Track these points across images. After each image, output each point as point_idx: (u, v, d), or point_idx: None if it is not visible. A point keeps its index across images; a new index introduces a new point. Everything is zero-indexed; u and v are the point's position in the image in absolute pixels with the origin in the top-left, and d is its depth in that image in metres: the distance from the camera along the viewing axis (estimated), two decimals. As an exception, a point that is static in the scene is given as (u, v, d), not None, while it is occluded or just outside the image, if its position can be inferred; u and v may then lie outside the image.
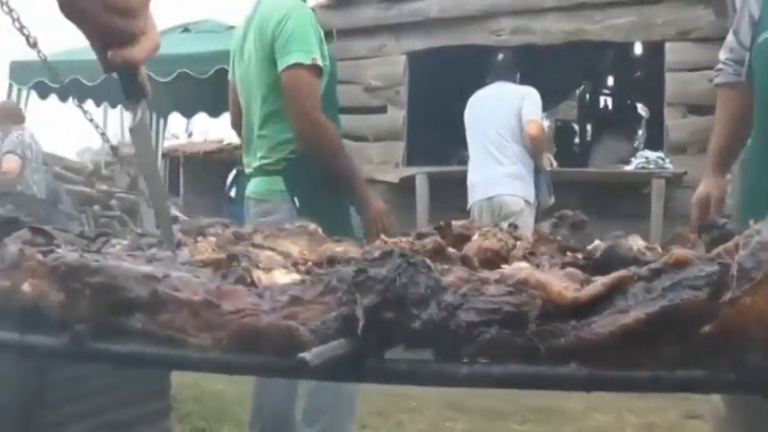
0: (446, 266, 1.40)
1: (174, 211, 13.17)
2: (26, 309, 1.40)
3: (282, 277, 1.34)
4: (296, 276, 1.34)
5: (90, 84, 8.92)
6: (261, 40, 3.40)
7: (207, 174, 14.69)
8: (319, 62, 3.31)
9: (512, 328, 1.08)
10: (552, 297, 1.09)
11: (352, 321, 1.10)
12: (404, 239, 2.34)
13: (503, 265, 1.98)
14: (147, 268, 1.33)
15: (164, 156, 12.57)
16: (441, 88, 8.77)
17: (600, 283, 1.11)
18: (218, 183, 14.07)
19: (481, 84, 7.05)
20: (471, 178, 6.73)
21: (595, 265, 1.43)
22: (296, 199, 3.41)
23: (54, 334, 1.32)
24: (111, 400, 3.39)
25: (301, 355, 1.00)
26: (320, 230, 2.53)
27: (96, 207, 10.66)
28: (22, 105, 9.13)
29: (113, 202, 11.01)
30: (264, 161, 3.54)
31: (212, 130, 16.28)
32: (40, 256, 1.40)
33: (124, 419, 3.46)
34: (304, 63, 3.29)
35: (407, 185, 7.40)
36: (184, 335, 1.22)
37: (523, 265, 1.48)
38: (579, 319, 1.07)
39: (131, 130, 1.39)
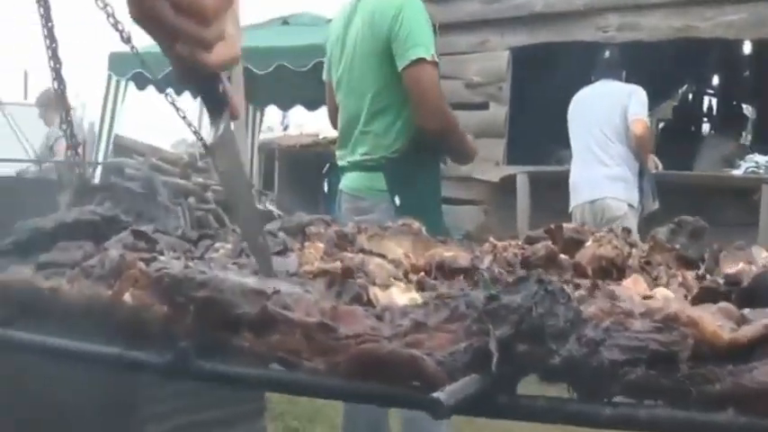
0: (582, 291, 1.26)
1: (269, 206, 13.25)
2: (128, 320, 1.32)
3: (400, 295, 1.23)
4: (415, 295, 1.23)
5: (188, 76, 8.98)
6: (373, 35, 3.33)
7: (302, 167, 14.73)
8: (437, 58, 3.26)
9: (660, 369, 0.96)
10: (706, 337, 0.98)
11: (484, 354, 0.99)
12: (513, 242, 2.23)
13: (623, 282, 1.85)
14: (255, 282, 1.23)
15: (259, 149, 12.62)
16: (544, 85, 8.56)
17: (762, 324, 0.98)
18: (314, 177, 14.09)
19: (586, 81, 6.84)
20: (573, 179, 6.53)
21: (743, 295, 1.29)
22: (396, 198, 3.33)
23: (157, 349, 1.25)
24: (208, 399, 3.38)
25: (436, 395, 0.90)
26: (424, 230, 2.43)
27: (192, 199, 10.73)
28: (120, 96, 9.27)
29: (209, 194, 11.07)
30: (365, 157, 3.48)
31: (308, 123, 16.28)
32: (142, 265, 1.33)
33: (220, 418, 3.45)
34: (426, 58, 3.22)
35: (508, 185, 7.24)
36: (297, 358, 1.13)
37: (666, 293, 1.34)
38: (736, 362, 0.95)
39: (211, 147, 1.22)
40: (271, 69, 9.13)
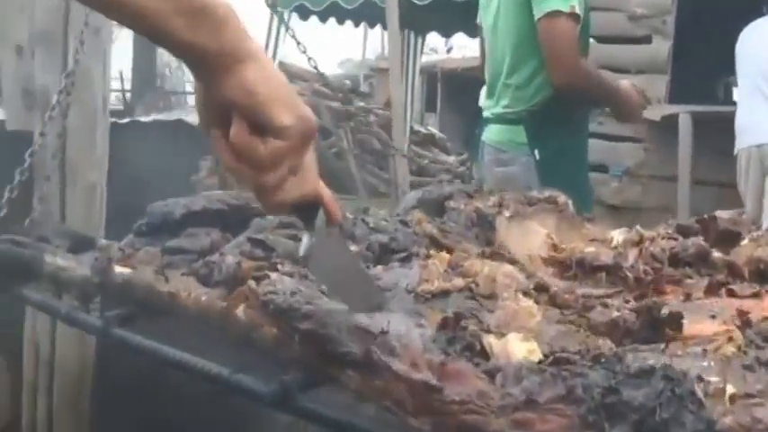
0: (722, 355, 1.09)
1: (432, 129, 13.11)
2: (238, 336, 1.26)
3: (518, 346, 1.10)
4: (533, 346, 1.09)
5: (348, 7, 8.94)
6: None
7: (464, 91, 14.45)
8: (578, 10, 2.99)
9: None
10: None
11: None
12: (663, 232, 2.03)
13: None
14: (363, 318, 1.13)
15: (421, 71, 12.44)
16: (712, 18, 7.92)
17: None
18: (474, 100, 13.78)
19: (757, 13, 6.26)
20: (739, 121, 6.03)
21: None
22: (536, 151, 3.16)
23: (265, 374, 1.18)
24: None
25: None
26: (570, 204, 2.27)
27: (354, 123, 10.72)
28: (283, 27, 9.28)
29: (371, 118, 11.03)
30: (507, 110, 3.30)
31: (471, 45, 15.91)
32: (253, 285, 1.25)
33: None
34: (563, 10, 2.98)
35: (670, 125, 6.80)
36: (402, 410, 1.03)
37: None
38: None
39: (303, 258, 1.12)
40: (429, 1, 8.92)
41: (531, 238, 2.04)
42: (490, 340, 1.10)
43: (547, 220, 2.14)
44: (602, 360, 0.98)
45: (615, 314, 1.37)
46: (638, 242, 1.94)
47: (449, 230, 1.95)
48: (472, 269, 1.46)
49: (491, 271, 1.45)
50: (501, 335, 1.12)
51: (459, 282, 1.37)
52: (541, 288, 1.53)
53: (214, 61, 0.93)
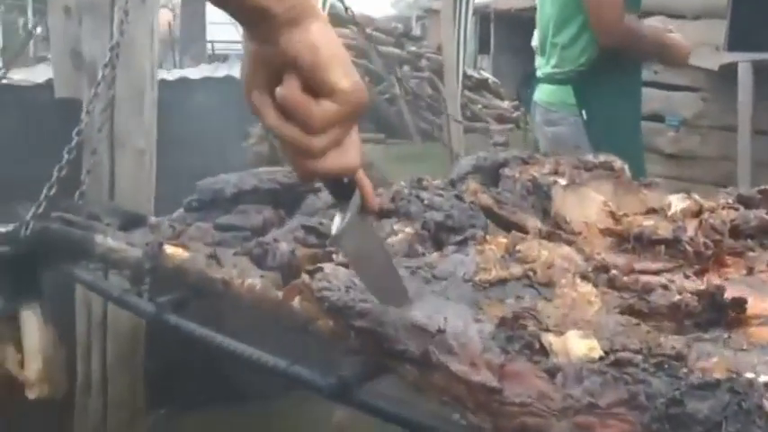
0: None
1: (485, 73, 12.93)
2: (294, 328, 1.26)
3: (577, 343, 1.07)
4: (594, 343, 1.07)
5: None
6: None
7: (516, 32, 14.21)
8: None
9: None
10: None
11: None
12: (723, 202, 1.97)
13: None
14: (419, 316, 1.12)
15: (474, 12, 12.26)
16: (774, -41, 7.62)
17: None
18: (527, 41, 13.55)
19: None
20: (802, 68, 5.84)
21: None
22: (584, 111, 3.10)
23: (322, 366, 1.18)
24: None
25: None
26: (626, 169, 2.21)
27: (406, 68, 10.64)
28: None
29: (423, 62, 10.93)
30: (555, 69, 3.24)
31: (525, -15, 15.59)
32: (307, 279, 1.24)
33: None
34: None
35: (728, 73, 6.58)
36: (462, 407, 1.02)
37: None
38: None
39: (335, 238, 1.05)
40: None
41: (587, 205, 2.00)
42: (549, 338, 1.08)
43: (603, 186, 2.09)
44: (665, 366, 0.94)
45: (677, 297, 1.33)
46: (698, 213, 1.89)
47: (504, 201, 1.91)
48: (530, 254, 1.43)
49: (549, 256, 1.42)
50: (560, 333, 1.09)
51: (516, 269, 1.34)
52: (600, 270, 1.49)
53: (279, 15, 0.90)
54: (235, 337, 1.30)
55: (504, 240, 1.50)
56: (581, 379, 0.96)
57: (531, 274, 1.34)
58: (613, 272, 1.48)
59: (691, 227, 1.78)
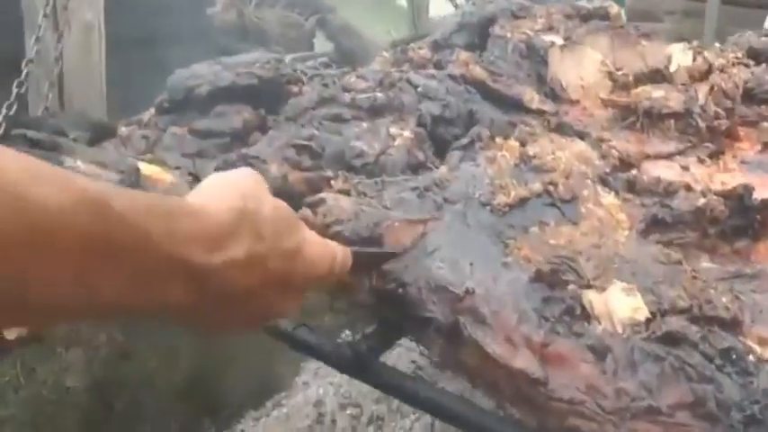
0: None
1: None
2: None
3: (621, 302, 0.96)
4: (638, 302, 0.95)
5: None
6: None
7: None
8: None
9: None
10: None
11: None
12: (732, 57, 1.82)
13: None
14: (444, 272, 0.99)
15: None
16: None
17: None
18: None
19: None
20: None
21: None
22: None
23: (333, 331, 1.06)
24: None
25: None
26: (623, 15, 2.06)
27: None
28: None
29: None
30: None
31: None
32: (309, 214, 1.10)
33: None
34: None
35: None
36: (497, 394, 0.91)
37: None
38: None
39: None
40: None
41: (585, 65, 1.88)
42: (590, 297, 0.96)
43: (600, 40, 1.94)
44: (732, 355, 0.84)
45: (701, 201, 1.23)
46: (707, 72, 1.74)
47: (498, 71, 1.75)
48: (545, 160, 1.29)
49: (566, 162, 1.29)
50: (601, 289, 0.97)
51: (535, 185, 1.21)
52: (617, 169, 1.37)
53: None
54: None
55: (515, 144, 1.35)
56: (634, 365, 0.86)
57: (551, 188, 1.21)
58: (633, 172, 1.36)
59: (701, 92, 1.65)
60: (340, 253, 0.84)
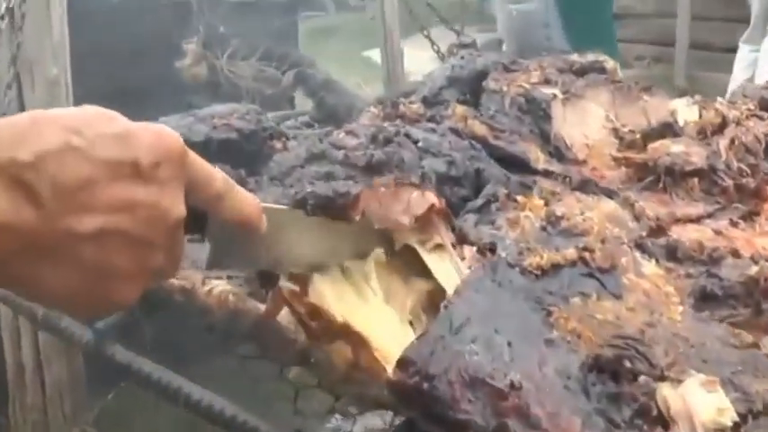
0: None
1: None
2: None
3: (702, 400, 0.76)
4: (723, 401, 0.76)
5: None
6: None
7: None
8: None
9: None
10: None
11: None
12: (744, 109, 1.67)
13: None
14: (481, 361, 0.78)
15: None
16: None
17: None
18: None
19: None
20: None
21: None
22: None
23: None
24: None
25: None
26: (618, 70, 1.91)
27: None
28: None
29: None
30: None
31: None
32: (289, 284, 0.89)
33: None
34: None
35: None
36: None
37: None
38: None
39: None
40: None
41: (588, 121, 1.75)
42: (664, 392, 0.76)
43: (601, 94, 1.81)
44: None
45: (753, 270, 1.06)
46: (721, 126, 1.60)
47: (499, 127, 1.58)
48: (576, 222, 1.11)
49: (599, 224, 1.10)
50: (676, 381, 0.77)
51: (569, 251, 1.02)
52: (655, 233, 1.19)
53: None
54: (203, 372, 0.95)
55: (539, 203, 1.17)
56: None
57: (587, 255, 1.02)
58: (673, 236, 1.18)
59: (722, 146, 1.50)
60: (221, 180, 0.68)
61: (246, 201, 0.71)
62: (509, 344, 0.82)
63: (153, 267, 0.62)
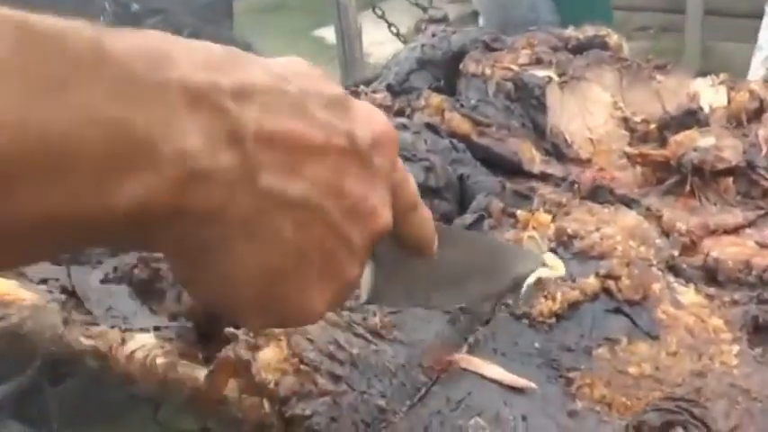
0: None
1: None
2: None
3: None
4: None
5: None
6: None
7: None
8: None
9: None
10: None
11: None
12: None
13: None
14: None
15: None
16: None
17: None
18: None
19: None
20: None
21: None
22: None
23: None
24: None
25: None
26: (624, 45, 1.86)
27: None
28: None
29: None
30: None
31: None
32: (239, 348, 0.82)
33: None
34: None
35: None
36: None
37: None
38: None
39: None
40: None
41: (592, 110, 1.71)
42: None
43: (604, 76, 1.76)
44: None
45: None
46: (757, 112, 1.56)
47: (484, 122, 1.52)
48: (593, 241, 1.04)
49: (623, 245, 1.04)
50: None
51: (590, 282, 0.95)
52: (687, 251, 1.13)
53: None
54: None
55: (546, 218, 1.10)
56: None
57: (611, 285, 0.95)
58: (713, 255, 1.12)
59: (761, 137, 1.46)
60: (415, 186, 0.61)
61: (429, 217, 0.64)
62: (523, 418, 0.76)
63: (347, 279, 0.55)
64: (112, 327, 0.95)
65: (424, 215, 0.63)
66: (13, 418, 0.94)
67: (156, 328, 0.95)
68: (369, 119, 0.54)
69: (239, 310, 0.53)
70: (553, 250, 1.03)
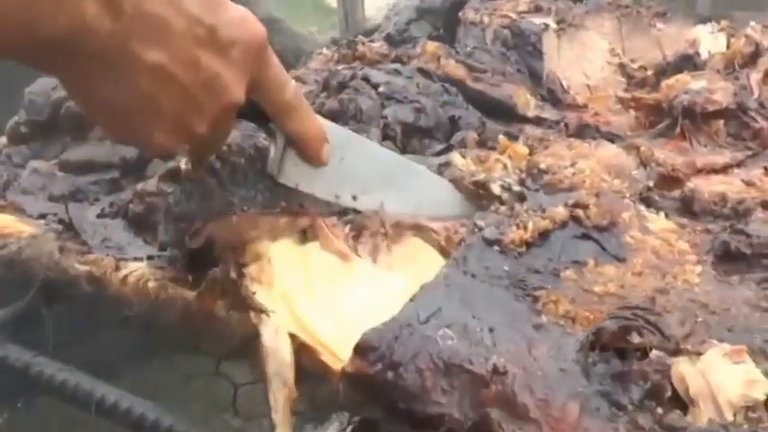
0: None
1: None
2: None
3: (726, 372, 0.76)
4: (752, 371, 0.77)
5: None
6: None
7: None
8: None
9: None
10: None
11: None
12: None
13: None
14: (457, 346, 0.79)
15: None
16: None
17: None
18: None
19: None
20: None
21: None
22: None
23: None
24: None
25: None
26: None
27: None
28: None
29: None
30: None
31: None
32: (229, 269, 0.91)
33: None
34: None
35: None
36: None
37: None
38: None
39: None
40: None
41: (589, 57, 1.77)
42: (681, 369, 0.77)
43: (603, 23, 1.82)
44: None
45: (788, 228, 1.08)
46: (753, 56, 1.61)
47: (480, 67, 1.59)
48: (563, 172, 1.12)
49: (592, 178, 1.11)
50: (694, 353, 0.78)
51: (558, 209, 1.03)
52: (665, 183, 1.21)
53: None
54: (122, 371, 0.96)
55: (523, 150, 1.18)
56: None
57: (580, 213, 1.03)
58: (688, 185, 1.19)
59: (753, 81, 1.52)
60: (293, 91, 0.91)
61: (313, 123, 0.90)
62: (491, 329, 0.83)
63: (192, 132, 0.81)
64: (107, 256, 1.04)
65: (304, 118, 0.89)
66: (12, 341, 1.03)
67: (150, 258, 1.04)
68: (237, 22, 0.81)
69: (110, 128, 0.83)
70: (521, 181, 1.11)
